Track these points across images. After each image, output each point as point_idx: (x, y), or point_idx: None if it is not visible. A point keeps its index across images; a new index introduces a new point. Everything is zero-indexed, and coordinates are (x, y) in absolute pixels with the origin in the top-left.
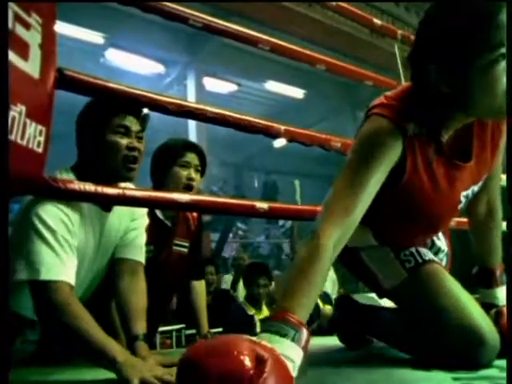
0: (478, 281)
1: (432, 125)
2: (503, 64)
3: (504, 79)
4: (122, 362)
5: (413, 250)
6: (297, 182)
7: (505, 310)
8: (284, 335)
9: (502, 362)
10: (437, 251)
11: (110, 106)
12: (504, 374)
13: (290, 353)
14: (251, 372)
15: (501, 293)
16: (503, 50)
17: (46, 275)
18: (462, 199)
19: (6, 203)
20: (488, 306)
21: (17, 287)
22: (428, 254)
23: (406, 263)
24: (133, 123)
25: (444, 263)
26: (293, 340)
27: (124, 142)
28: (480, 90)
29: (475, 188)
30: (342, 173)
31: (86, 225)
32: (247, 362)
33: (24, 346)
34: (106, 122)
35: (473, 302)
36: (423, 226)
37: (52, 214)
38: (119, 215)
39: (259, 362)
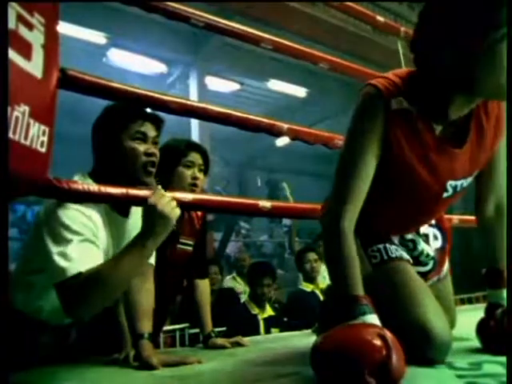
0: (486, 281)
1: (429, 106)
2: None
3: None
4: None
5: (381, 246)
6: (285, 184)
7: None
8: (364, 313)
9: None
10: (419, 255)
11: (128, 112)
12: None
13: (376, 322)
14: (384, 352)
15: None
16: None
17: (69, 273)
18: (449, 188)
19: (6, 203)
20: (495, 306)
21: (32, 291)
22: (396, 252)
23: (372, 259)
24: (150, 129)
25: (429, 267)
26: (370, 312)
27: (142, 148)
28: (486, 67)
29: (465, 183)
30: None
31: (106, 232)
32: (378, 342)
33: (36, 350)
34: (125, 128)
35: (430, 299)
36: (404, 211)
37: (76, 219)
38: (135, 218)
39: (383, 338)
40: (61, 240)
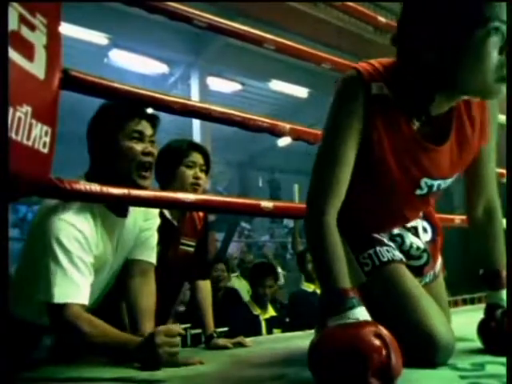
0: (484, 282)
1: (409, 98)
2: (495, 38)
3: (495, 54)
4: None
5: (371, 251)
6: (296, 186)
7: None
8: (352, 307)
9: None
10: (408, 249)
11: (123, 110)
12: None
13: (365, 315)
14: (384, 352)
15: None
16: (496, 24)
17: (59, 298)
18: (423, 186)
19: (6, 203)
20: (494, 307)
21: (31, 304)
22: (388, 254)
23: (364, 266)
24: (146, 128)
25: (423, 261)
26: (358, 305)
27: (139, 147)
28: (471, 64)
29: (442, 184)
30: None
31: (102, 235)
32: (378, 342)
33: (38, 351)
34: (121, 127)
35: (430, 302)
36: (385, 206)
37: (68, 234)
38: (134, 218)
39: (380, 336)
40: (54, 259)
